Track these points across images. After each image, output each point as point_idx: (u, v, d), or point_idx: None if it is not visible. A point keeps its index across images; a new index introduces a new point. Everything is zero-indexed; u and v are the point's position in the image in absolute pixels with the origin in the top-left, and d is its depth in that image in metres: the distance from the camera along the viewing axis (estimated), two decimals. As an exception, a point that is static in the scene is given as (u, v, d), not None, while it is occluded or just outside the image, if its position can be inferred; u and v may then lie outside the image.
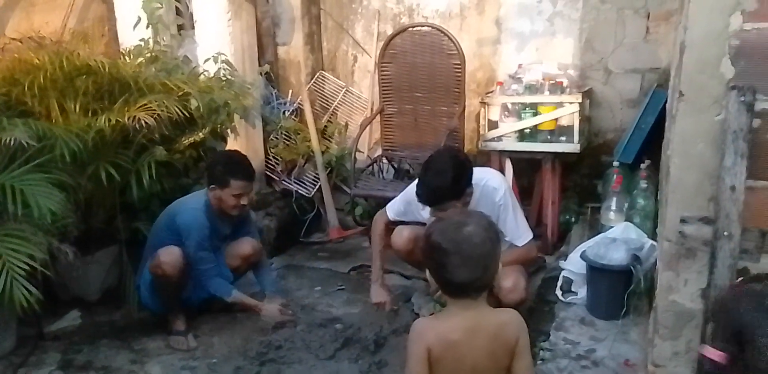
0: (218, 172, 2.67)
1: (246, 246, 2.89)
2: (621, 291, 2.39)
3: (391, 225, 2.75)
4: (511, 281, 2.43)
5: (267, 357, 2.54)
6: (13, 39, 3.14)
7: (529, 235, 2.54)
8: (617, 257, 2.43)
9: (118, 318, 2.89)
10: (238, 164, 2.71)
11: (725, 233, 1.69)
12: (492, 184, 2.49)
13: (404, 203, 2.67)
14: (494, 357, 1.44)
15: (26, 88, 2.66)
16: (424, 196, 2.37)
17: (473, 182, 2.43)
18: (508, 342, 1.45)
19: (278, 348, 2.61)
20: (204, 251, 2.69)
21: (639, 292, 2.40)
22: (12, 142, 2.33)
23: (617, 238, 2.54)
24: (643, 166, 2.97)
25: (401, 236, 2.67)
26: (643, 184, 2.89)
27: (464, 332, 1.43)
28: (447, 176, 2.30)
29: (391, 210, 2.75)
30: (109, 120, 2.65)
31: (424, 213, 2.60)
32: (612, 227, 2.74)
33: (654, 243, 2.48)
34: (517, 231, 2.50)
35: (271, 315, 2.77)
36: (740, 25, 1.68)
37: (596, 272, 2.48)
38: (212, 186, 2.68)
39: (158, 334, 2.74)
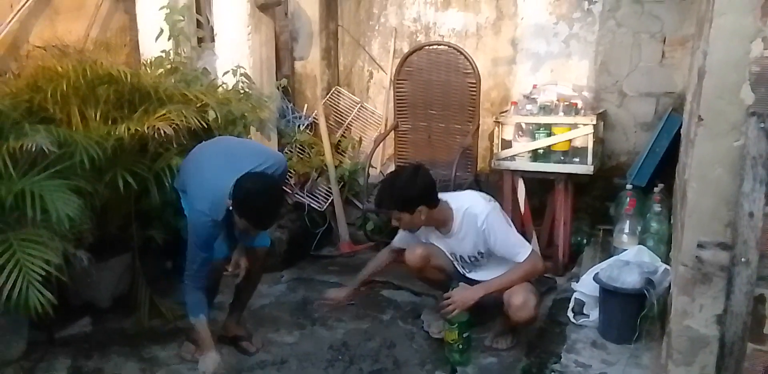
0: (244, 203, 2.27)
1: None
2: (634, 314, 2.37)
3: (398, 250, 2.79)
4: (520, 298, 2.46)
5: (276, 372, 2.54)
6: (37, 46, 3.17)
7: (527, 250, 2.52)
8: (630, 280, 2.42)
9: (129, 325, 2.89)
10: (264, 214, 2.33)
11: (743, 259, 1.69)
12: (473, 211, 2.50)
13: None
14: None
15: (48, 95, 2.68)
16: (374, 198, 2.54)
17: (453, 207, 2.52)
18: None
19: (287, 362, 2.61)
20: (202, 252, 2.39)
21: (652, 316, 2.38)
22: (33, 148, 2.35)
23: (630, 261, 2.53)
24: (656, 189, 2.97)
25: (414, 253, 2.68)
26: (657, 208, 2.89)
27: None
28: (395, 183, 2.44)
29: (396, 240, 2.80)
30: (129, 128, 2.67)
31: (424, 236, 2.66)
32: (624, 250, 2.74)
33: (667, 267, 2.48)
34: (513, 249, 2.50)
35: (204, 367, 2.39)
36: (761, 52, 1.69)
37: (609, 295, 2.47)
38: (232, 202, 2.30)
39: (168, 343, 2.74)
